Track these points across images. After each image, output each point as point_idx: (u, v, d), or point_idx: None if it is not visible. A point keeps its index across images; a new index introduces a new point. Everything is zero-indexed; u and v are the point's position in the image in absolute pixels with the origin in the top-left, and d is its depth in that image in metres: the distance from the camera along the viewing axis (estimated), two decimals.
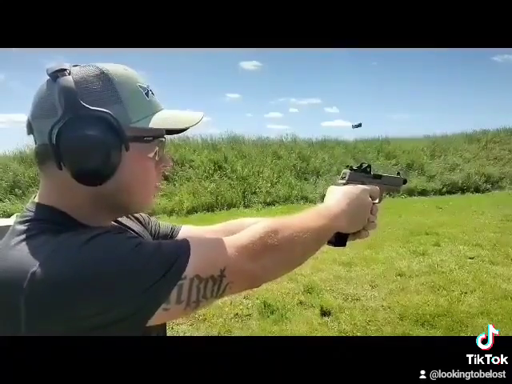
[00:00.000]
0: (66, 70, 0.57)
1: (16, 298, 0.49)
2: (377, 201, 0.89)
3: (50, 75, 0.57)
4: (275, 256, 0.63)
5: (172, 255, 0.55)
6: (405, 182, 1.01)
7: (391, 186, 0.98)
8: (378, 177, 0.93)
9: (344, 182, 0.89)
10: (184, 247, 0.57)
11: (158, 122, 0.62)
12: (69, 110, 0.55)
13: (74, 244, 0.52)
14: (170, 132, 0.68)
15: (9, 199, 8.32)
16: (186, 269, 0.54)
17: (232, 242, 0.61)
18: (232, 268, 0.58)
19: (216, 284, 0.58)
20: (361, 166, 0.92)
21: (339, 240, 0.84)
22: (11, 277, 0.50)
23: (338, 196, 0.81)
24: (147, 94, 0.63)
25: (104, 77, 0.58)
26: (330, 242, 0.83)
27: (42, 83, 0.59)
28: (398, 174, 1.02)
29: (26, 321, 0.49)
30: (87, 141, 0.55)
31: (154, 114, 0.62)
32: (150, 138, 0.62)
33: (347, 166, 0.91)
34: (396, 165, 11.68)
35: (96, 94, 0.57)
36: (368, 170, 0.92)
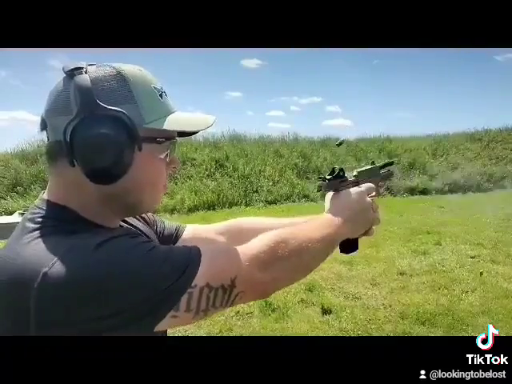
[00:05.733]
0: (82, 68, 0.57)
1: (26, 298, 0.48)
2: (373, 194, 0.86)
3: (66, 73, 0.57)
4: (284, 266, 0.63)
5: (183, 263, 0.55)
6: (383, 167, 0.95)
7: (373, 178, 0.91)
8: (355, 177, 0.87)
9: (326, 191, 0.84)
10: (195, 255, 0.57)
11: (171, 123, 0.62)
12: (84, 108, 0.55)
13: (88, 246, 0.51)
14: (182, 134, 0.68)
15: (11, 197, 8.34)
16: (196, 277, 0.54)
17: (243, 251, 0.61)
18: (243, 277, 0.58)
19: (226, 293, 0.57)
20: (333, 171, 0.82)
21: (350, 246, 0.82)
22: (22, 276, 0.50)
23: (338, 204, 0.80)
24: (161, 95, 0.63)
25: (120, 77, 0.59)
26: (342, 251, 0.83)
27: (58, 81, 0.59)
28: (373, 163, 0.95)
29: (35, 321, 0.49)
30: (101, 139, 0.55)
31: (167, 115, 0.63)
32: (163, 140, 0.62)
33: (319, 178, 0.83)
34: (397, 163, 11.65)
35: (111, 93, 0.57)
36: (341, 174, 0.83)
